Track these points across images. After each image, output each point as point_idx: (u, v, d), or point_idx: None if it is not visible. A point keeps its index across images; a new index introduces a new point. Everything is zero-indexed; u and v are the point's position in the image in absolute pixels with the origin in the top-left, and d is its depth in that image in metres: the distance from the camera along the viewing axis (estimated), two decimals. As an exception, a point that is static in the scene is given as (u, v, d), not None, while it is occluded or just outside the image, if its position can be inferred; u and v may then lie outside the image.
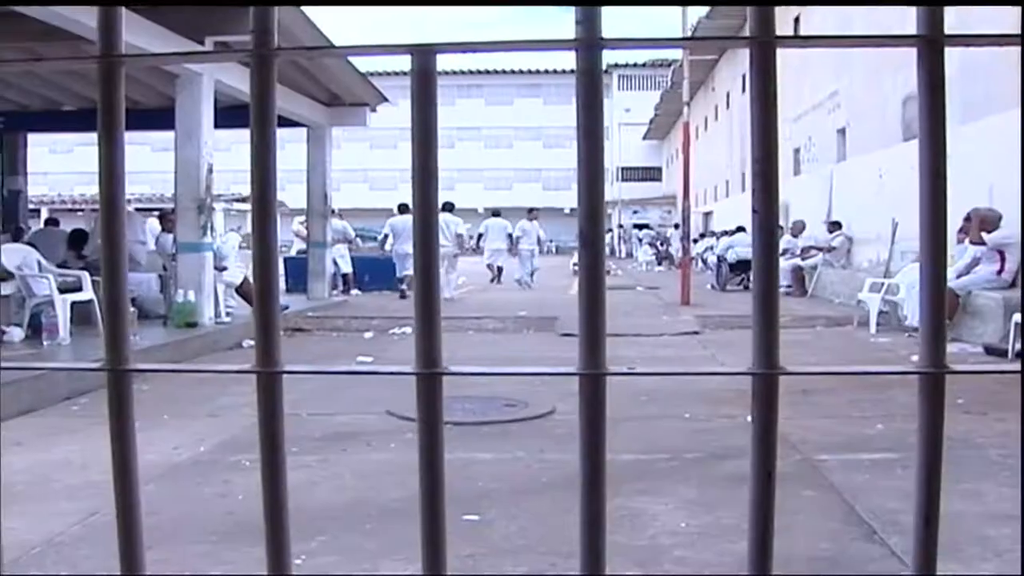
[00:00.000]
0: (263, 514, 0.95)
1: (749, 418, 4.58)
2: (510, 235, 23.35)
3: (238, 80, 12.86)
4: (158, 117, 12.72)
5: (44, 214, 28.39)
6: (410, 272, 18.19)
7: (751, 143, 0.88)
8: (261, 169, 0.93)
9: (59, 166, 46.95)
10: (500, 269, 24.03)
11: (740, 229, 22.64)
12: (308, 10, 11.27)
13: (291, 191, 23.32)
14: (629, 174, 56.10)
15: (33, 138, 19.91)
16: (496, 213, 24.79)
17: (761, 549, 0.90)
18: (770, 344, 0.91)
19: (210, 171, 12.13)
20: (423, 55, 0.90)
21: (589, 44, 0.87)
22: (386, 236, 19.54)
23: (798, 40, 0.91)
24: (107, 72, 0.98)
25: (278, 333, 0.94)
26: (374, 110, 18.17)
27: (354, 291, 19.72)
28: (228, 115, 13.68)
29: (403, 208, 19.08)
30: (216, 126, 12.36)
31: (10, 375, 6.85)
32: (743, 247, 20.61)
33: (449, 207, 19.14)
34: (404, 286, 18.61)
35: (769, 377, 0.91)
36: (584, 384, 0.95)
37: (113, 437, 0.99)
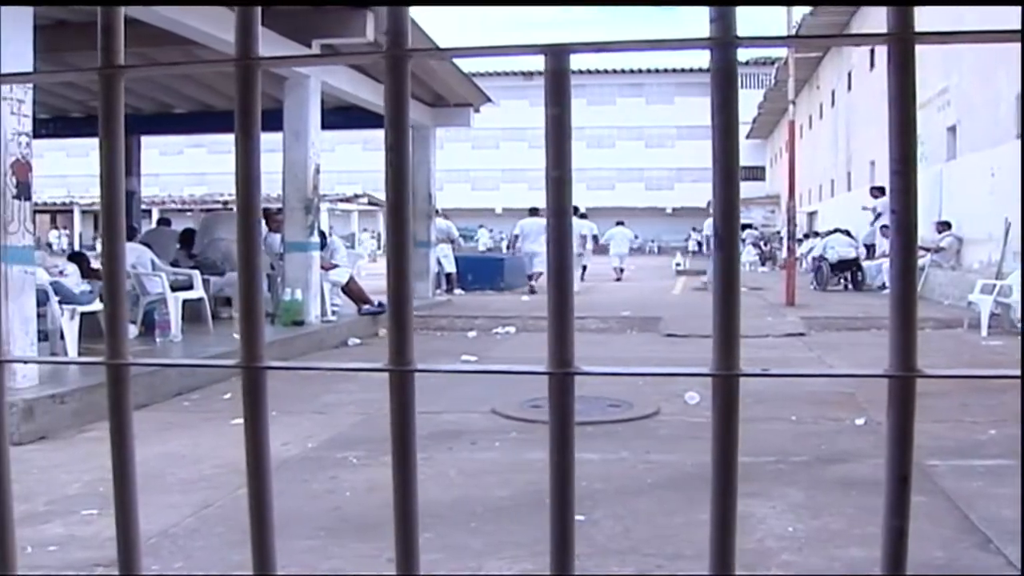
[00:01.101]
0: (393, 513, 0.96)
1: (858, 421, 4.52)
2: (583, 235, 24.05)
3: (343, 82, 13.06)
4: (264, 118, 12.91)
5: (155, 214, 29.10)
6: (538, 270, 19.63)
7: (889, 143, 0.87)
8: (396, 170, 0.93)
9: (169, 167, 48.22)
10: (584, 268, 24.33)
11: (837, 231, 22.31)
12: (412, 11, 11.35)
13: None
14: (732, 173, 55.32)
15: (145, 140, 20.39)
16: (578, 212, 25.28)
17: (895, 555, 0.89)
18: (908, 345, 0.89)
19: (317, 171, 12.31)
20: (556, 55, 0.89)
21: (724, 43, 0.87)
22: (516, 236, 21.36)
23: (939, 36, 0.88)
24: (244, 75, 1.00)
25: (411, 332, 0.95)
26: (477, 111, 18.28)
27: (457, 290, 19.92)
28: (333, 116, 13.90)
29: (533, 211, 21.29)
30: (322, 127, 12.53)
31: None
32: (843, 247, 20.41)
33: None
34: (533, 282, 20.08)
35: (906, 380, 0.89)
36: (718, 385, 0.94)
37: (247, 432, 1.01)
